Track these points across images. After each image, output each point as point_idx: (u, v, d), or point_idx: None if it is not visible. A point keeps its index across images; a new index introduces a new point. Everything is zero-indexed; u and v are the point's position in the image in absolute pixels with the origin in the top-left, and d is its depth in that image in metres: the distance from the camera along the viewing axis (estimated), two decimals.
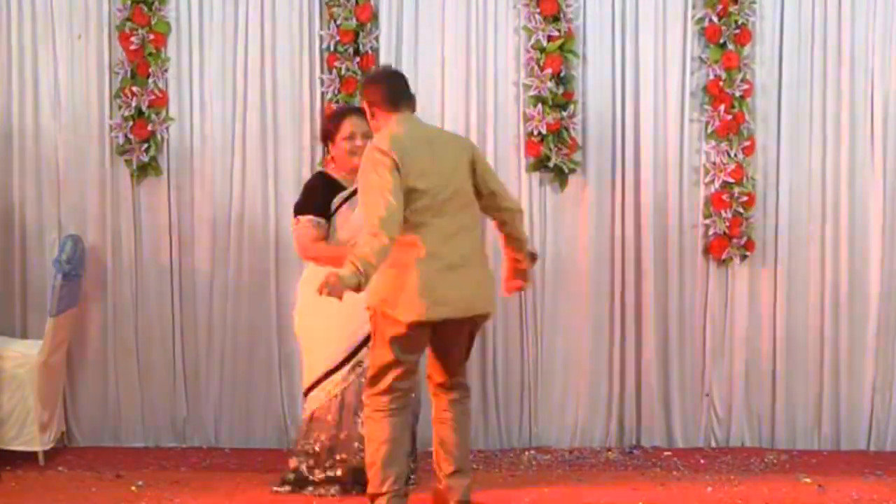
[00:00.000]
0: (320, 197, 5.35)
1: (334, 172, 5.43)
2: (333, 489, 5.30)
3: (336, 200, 5.33)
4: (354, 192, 5.17)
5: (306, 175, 5.99)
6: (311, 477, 5.34)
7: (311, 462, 5.34)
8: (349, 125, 5.36)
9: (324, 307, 4.79)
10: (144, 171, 6.09)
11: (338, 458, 5.31)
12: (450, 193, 4.73)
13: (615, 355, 6.18)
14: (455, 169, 4.79)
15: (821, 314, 6.14)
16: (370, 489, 4.79)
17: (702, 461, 5.95)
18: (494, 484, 5.50)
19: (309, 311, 5.34)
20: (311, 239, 5.29)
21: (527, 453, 6.04)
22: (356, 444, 5.26)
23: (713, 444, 6.21)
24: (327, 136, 5.45)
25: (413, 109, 4.94)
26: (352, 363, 5.30)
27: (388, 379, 4.75)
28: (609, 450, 6.15)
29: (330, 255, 5.17)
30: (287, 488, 5.36)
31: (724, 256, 6.08)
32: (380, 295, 4.67)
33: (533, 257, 5.12)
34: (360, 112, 5.34)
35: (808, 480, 5.56)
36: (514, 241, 5.01)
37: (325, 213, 5.31)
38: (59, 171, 6.12)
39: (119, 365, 6.16)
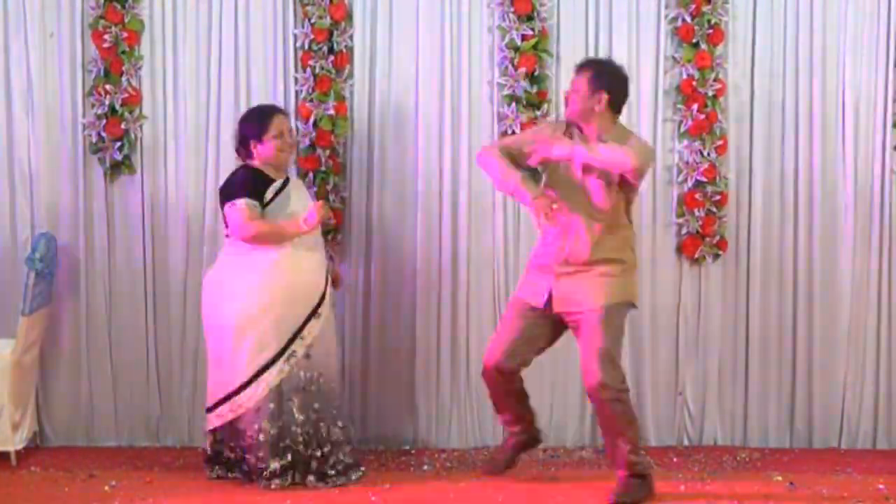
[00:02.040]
0: (252, 186, 5.41)
1: (261, 167, 5.48)
2: (280, 480, 5.33)
3: (269, 192, 5.42)
4: (283, 185, 5.46)
5: None
6: (264, 467, 5.35)
7: (262, 453, 5.34)
8: (277, 124, 5.47)
9: (257, 299, 5.28)
10: (118, 169, 6.07)
11: (281, 445, 5.34)
12: None
13: None
14: None
15: (793, 313, 6.18)
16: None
17: (675, 459, 5.97)
18: (468, 483, 5.51)
19: (240, 305, 5.36)
20: (250, 217, 5.35)
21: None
22: (296, 432, 5.33)
23: (686, 443, 6.24)
24: (251, 134, 5.47)
25: None
26: (286, 354, 5.35)
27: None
28: (582, 448, 6.17)
29: (271, 229, 5.35)
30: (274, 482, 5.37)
31: (697, 255, 6.10)
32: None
33: None
34: (281, 111, 5.58)
35: (779, 478, 5.59)
36: None
37: (260, 202, 5.39)
38: (32, 170, 6.09)
39: (92, 364, 6.14)
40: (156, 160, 6.11)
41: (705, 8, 6.01)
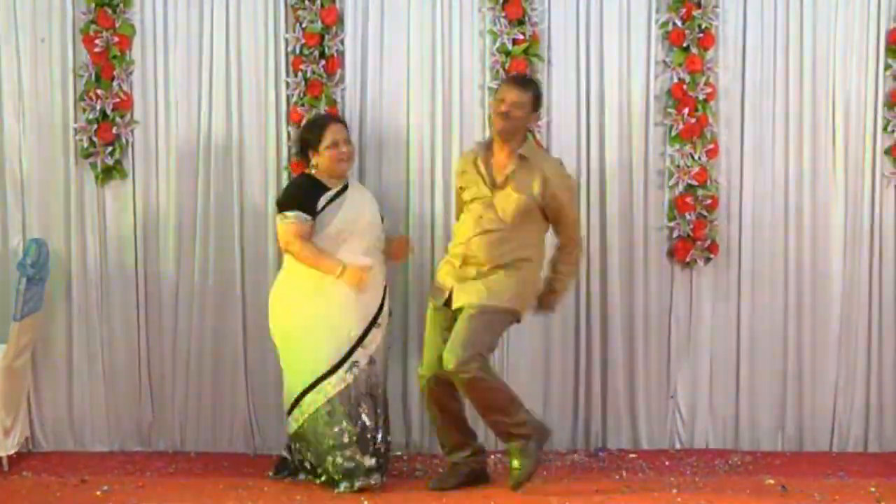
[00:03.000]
0: (306, 195, 5.49)
1: (317, 174, 5.55)
2: (357, 483, 5.41)
3: (322, 201, 5.47)
4: (339, 193, 5.51)
5: (271, 178, 6.06)
6: (364, 464, 5.43)
7: (349, 452, 5.41)
8: (331, 134, 5.53)
9: (313, 309, 5.36)
10: (109, 174, 6.06)
11: (348, 453, 5.41)
12: None
13: (581, 357, 6.20)
14: None
15: (784, 316, 6.19)
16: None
17: (667, 463, 5.98)
18: (459, 488, 5.50)
19: (298, 313, 5.46)
20: (295, 234, 5.43)
21: (493, 456, 6.02)
22: (359, 439, 5.43)
23: (678, 446, 6.24)
24: (309, 143, 5.56)
25: None
26: (348, 363, 5.43)
27: None
28: (575, 452, 6.17)
29: (310, 255, 5.41)
30: (346, 485, 5.43)
31: (688, 259, 6.11)
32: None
33: None
34: (337, 119, 5.66)
35: (771, 481, 5.60)
36: None
37: (311, 212, 5.43)
38: (24, 175, 6.08)
39: (84, 369, 6.13)
40: (147, 165, 6.11)
41: (696, 12, 6.02)
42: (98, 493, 5.40)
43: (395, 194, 6.11)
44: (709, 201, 6.08)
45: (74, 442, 6.16)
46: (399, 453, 6.08)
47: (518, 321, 5.51)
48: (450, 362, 5.20)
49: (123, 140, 6.05)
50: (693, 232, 6.08)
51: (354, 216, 5.51)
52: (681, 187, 6.09)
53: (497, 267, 5.36)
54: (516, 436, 5.34)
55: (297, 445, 5.56)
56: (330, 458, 5.41)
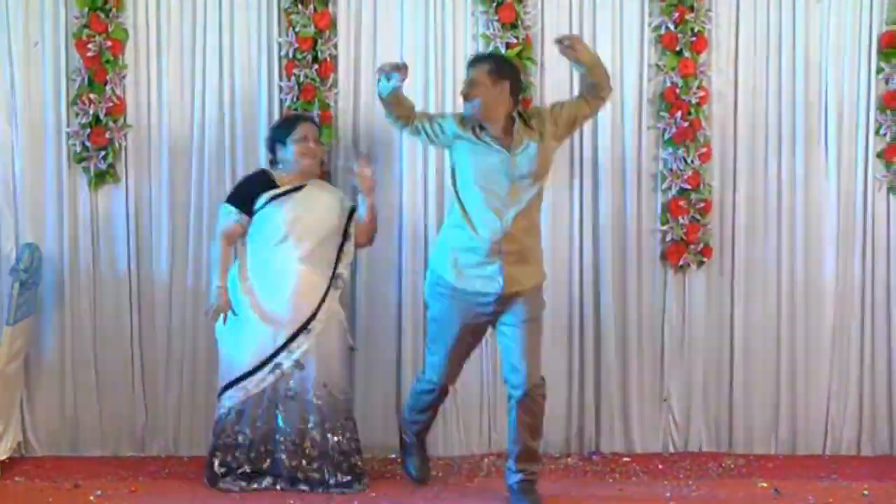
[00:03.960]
0: (247, 191, 5.52)
1: (276, 175, 5.53)
2: (266, 481, 5.44)
3: (263, 198, 5.46)
4: (288, 192, 5.49)
5: None
6: (240, 469, 5.44)
7: (234, 454, 5.45)
8: (303, 128, 5.53)
9: (244, 311, 5.38)
10: (102, 178, 6.06)
11: (262, 449, 5.43)
12: None
13: (574, 361, 6.21)
14: None
15: (777, 320, 6.20)
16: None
17: (660, 466, 5.99)
18: (454, 490, 5.51)
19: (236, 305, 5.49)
20: (221, 229, 5.49)
21: (486, 459, 6.05)
22: (279, 439, 5.42)
23: (671, 450, 6.25)
24: (277, 137, 5.56)
25: None
26: (271, 365, 5.43)
27: None
28: (568, 456, 6.17)
29: (217, 256, 5.50)
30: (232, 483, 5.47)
31: (681, 262, 6.12)
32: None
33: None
34: (313, 120, 5.65)
35: (764, 484, 5.61)
36: None
37: (247, 208, 5.45)
38: (16, 179, 6.06)
39: (77, 373, 6.13)
40: (140, 169, 6.10)
41: (689, 16, 6.03)
42: (91, 497, 5.40)
43: (388, 198, 6.10)
44: (702, 205, 6.09)
45: (67, 446, 6.14)
46: (393, 456, 6.07)
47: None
48: (529, 379, 5.21)
49: (116, 144, 6.04)
50: (686, 235, 6.09)
51: (295, 217, 5.45)
52: (674, 191, 6.10)
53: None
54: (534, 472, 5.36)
55: (220, 432, 5.56)
56: (258, 450, 5.45)
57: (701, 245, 6.10)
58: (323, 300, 5.50)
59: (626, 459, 6.10)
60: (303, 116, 5.72)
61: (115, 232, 6.10)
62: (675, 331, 6.21)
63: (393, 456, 6.06)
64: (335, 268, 5.59)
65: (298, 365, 5.44)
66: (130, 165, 6.09)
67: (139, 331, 6.14)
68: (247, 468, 5.47)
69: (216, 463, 5.51)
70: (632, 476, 5.81)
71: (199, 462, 5.95)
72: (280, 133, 5.56)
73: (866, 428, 6.23)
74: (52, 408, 6.13)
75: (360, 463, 5.59)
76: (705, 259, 6.14)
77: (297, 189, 5.53)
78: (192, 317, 6.10)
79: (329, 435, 5.48)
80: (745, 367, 6.22)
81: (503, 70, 5.26)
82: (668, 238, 6.12)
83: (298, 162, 5.51)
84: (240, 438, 5.46)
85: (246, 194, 5.50)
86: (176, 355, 6.13)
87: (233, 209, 5.47)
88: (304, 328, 5.44)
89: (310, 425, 5.46)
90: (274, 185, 5.49)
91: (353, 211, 5.66)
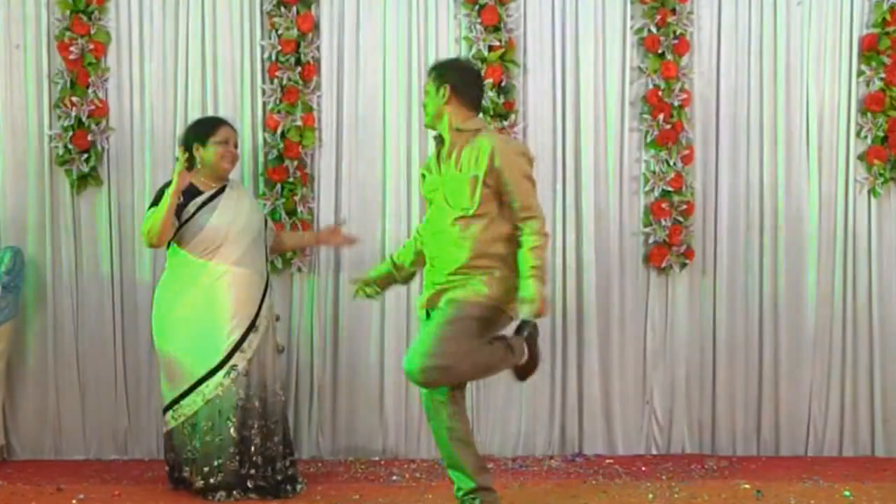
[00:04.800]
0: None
1: (193, 178, 5.37)
2: (220, 494, 5.32)
3: (191, 207, 5.35)
4: (212, 197, 5.38)
5: (247, 184, 6.06)
6: (195, 483, 5.35)
7: (190, 469, 5.36)
8: (224, 132, 5.45)
9: (186, 315, 5.28)
10: (84, 181, 6.05)
11: (215, 463, 5.33)
12: None
13: (557, 363, 6.22)
14: None
15: (759, 321, 6.23)
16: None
17: (643, 468, 6.00)
18: (437, 493, 5.51)
19: (171, 320, 5.38)
20: (147, 228, 5.30)
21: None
22: (231, 449, 5.31)
23: (654, 451, 6.27)
24: (195, 137, 5.43)
25: None
26: (227, 367, 5.32)
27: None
28: (551, 457, 6.18)
29: (155, 218, 5.22)
30: (223, 494, 5.36)
31: (663, 264, 6.14)
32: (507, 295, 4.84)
33: None
34: (230, 124, 5.52)
35: (747, 486, 5.62)
36: None
37: (177, 214, 5.29)
38: None
39: (59, 377, 6.12)
40: (122, 172, 6.10)
41: (671, 19, 6.06)
42: (74, 501, 5.37)
43: (372, 200, 6.11)
44: (684, 207, 6.11)
45: (50, 450, 6.14)
46: (377, 458, 6.09)
47: None
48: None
49: (99, 147, 6.04)
50: (669, 238, 6.10)
51: (227, 221, 5.36)
52: (656, 193, 6.11)
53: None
54: None
55: (173, 446, 5.46)
56: (210, 463, 5.33)
57: (683, 247, 6.12)
58: (263, 297, 5.46)
59: (608, 461, 6.11)
60: (223, 120, 5.58)
61: (97, 235, 6.10)
62: (658, 332, 6.22)
63: (376, 458, 6.07)
64: (267, 270, 5.56)
65: (247, 370, 5.36)
66: (113, 168, 6.09)
67: (122, 333, 6.13)
68: (199, 483, 5.34)
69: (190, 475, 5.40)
70: (615, 478, 5.81)
71: None
72: (200, 133, 5.45)
73: (848, 429, 6.26)
74: (35, 411, 6.12)
75: (294, 463, 5.59)
76: (688, 261, 6.16)
77: (220, 192, 5.44)
78: None
79: (267, 438, 5.42)
80: (727, 368, 6.24)
81: (443, 80, 4.94)
82: (651, 240, 6.14)
83: (218, 164, 5.41)
84: (189, 454, 5.36)
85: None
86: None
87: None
88: (252, 327, 5.38)
89: (253, 431, 5.38)
90: (197, 191, 5.37)
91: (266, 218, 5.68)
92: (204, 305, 5.32)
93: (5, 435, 6.06)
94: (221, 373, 5.31)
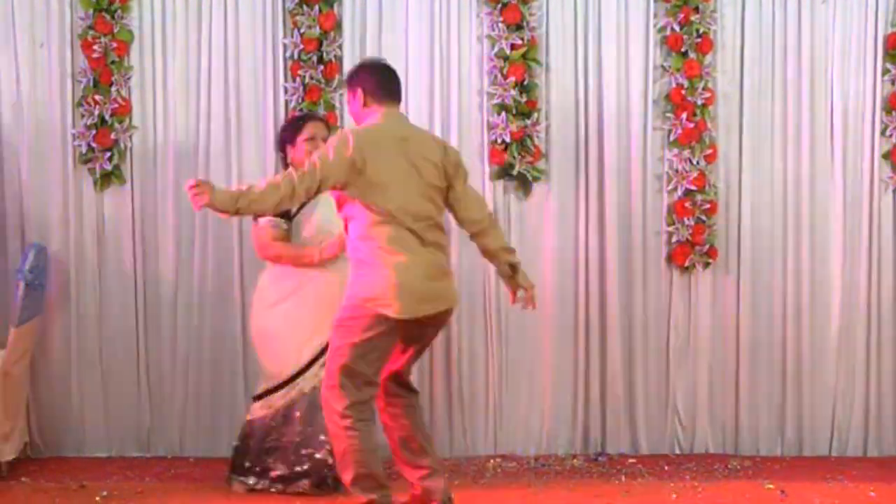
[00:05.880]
0: None
1: None
2: (303, 483, 5.35)
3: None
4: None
5: None
6: (274, 473, 5.37)
7: (275, 458, 5.38)
8: (311, 127, 5.44)
9: (284, 310, 5.27)
10: (108, 179, 6.07)
11: (303, 452, 5.35)
12: (420, 195, 4.63)
13: (580, 362, 6.20)
14: (427, 170, 4.66)
15: (783, 321, 6.19)
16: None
17: (666, 468, 5.98)
18: (460, 492, 5.50)
19: (268, 315, 5.42)
20: (271, 238, 5.39)
21: (492, 461, 6.04)
22: (321, 437, 5.29)
23: (677, 451, 6.24)
24: (286, 138, 5.48)
25: (398, 106, 4.83)
26: (320, 362, 5.28)
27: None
28: (574, 457, 6.16)
29: (289, 253, 5.39)
30: (253, 481, 5.41)
31: (686, 263, 6.11)
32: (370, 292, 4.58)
33: (513, 268, 4.93)
34: (320, 119, 5.55)
35: (770, 486, 5.60)
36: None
37: (286, 215, 5.35)
38: (22, 180, 6.08)
39: (82, 374, 6.13)
40: (146, 170, 6.11)
41: (694, 17, 6.03)
42: (97, 498, 5.39)
43: None
44: (707, 206, 6.08)
45: (73, 447, 6.15)
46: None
47: None
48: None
49: (122, 145, 6.05)
50: (692, 237, 6.08)
51: (324, 218, 5.38)
52: (679, 192, 6.09)
53: None
54: None
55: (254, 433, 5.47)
56: (299, 452, 5.38)
57: (707, 246, 6.10)
58: None
59: (631, 461, 6.09)
60: (310, 115, 5.66)
61: (120, 233, 6.11)
62: (681, 332, 6.20)
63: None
64: None
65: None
66: (136, 167, 6.11)
67: (145, 332, 6.14)
68: (284, 471, 5.38)
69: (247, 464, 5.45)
70: (637, 477, 5.80)
71: (205, 463, 5.97)
72: (289, 134, 5.49)
73: (873, 429, 6.23)
74: (58, 409, 6.14)
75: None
76: (711, 260, 6.13)
77: None
78: (198, 317, 6.11)
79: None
80: (751, 368, 6.20)
81: (353, 82, 4.84)
82: (674, 239, 6.12)
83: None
84: (284, 441, 5.39)
85: None
86: (182, 356, 6.13)
87: (272, 219, 5.34)
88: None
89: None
90: None
91: None
92: (306, 300, 5.37)
93: (29, 432, 6.07)
94: (316, 365, 5.31)
